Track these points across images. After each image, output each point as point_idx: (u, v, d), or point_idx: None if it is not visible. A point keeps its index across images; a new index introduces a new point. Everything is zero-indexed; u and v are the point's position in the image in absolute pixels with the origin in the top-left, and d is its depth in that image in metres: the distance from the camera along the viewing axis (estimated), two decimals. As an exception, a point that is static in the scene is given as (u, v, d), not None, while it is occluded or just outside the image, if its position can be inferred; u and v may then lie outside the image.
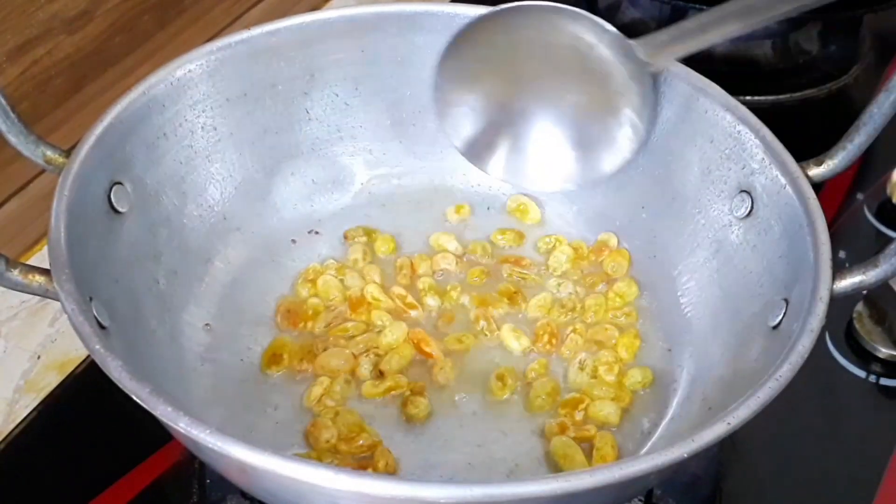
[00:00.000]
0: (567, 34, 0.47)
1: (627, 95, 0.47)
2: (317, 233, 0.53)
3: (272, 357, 0.46)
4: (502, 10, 0.47)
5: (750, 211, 0.45)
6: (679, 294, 0.49)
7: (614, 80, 0.47)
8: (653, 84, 0.47)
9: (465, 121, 0.49)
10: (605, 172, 0.48)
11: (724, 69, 0.69)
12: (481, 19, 0.48)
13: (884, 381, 0.51)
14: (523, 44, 0.48)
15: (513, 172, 0.50)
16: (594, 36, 0.46)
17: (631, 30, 0.64)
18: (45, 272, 0.38)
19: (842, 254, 0.55)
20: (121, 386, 0.34)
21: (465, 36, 0.48)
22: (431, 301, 0.49)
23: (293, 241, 0.52)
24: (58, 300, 0.37)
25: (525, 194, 0.54)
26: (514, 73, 0.48)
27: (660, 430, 0.45)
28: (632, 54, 0.46)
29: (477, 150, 0.49)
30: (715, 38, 0.45)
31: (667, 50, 0.46)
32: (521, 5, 0.47)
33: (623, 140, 0.48)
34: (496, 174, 0.50)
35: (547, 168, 0.49)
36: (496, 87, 0.49)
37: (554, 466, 0.43)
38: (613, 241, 0.52)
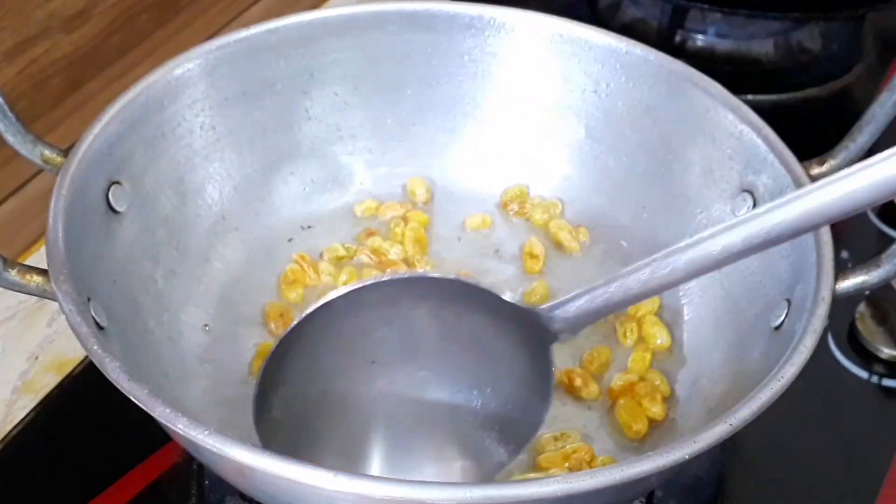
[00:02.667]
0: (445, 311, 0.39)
1: (532, 373, 0.40)
2: (310, 227, 0.52)
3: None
4: (332, 303, 0.38)
5: (752, 211, 0.45)
6: (680, 294, 0.49)
7: (518, 358, 0.40)
8: (550, 355, 0.40)
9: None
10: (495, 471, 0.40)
11: (726, 68, 0.69)
12: (309, 319, 0.38)
13: (886, 382, 0.51)
14: (377, 331, 0.39)
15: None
16: (480, 308, 0.39)
17: (631, 29, 0.64)
18: (43, 272, 0.38)
19: (844, 254, 0.55)
20: (119, 387, 0.34)
21: (287, 348, 0.38)
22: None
23: (290, 240, 0.52)
24: (55, 300, 0.37)
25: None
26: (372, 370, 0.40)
27: (661, 430, 0.44)
28: (528, 322, 0.39)
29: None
30: (627, 304, 0.38)
31: (579, 323, 0.39)
32: (362, 289, 0.38)
33: (527, 428, 0.41)
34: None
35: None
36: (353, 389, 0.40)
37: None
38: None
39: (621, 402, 0.45)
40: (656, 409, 0.44)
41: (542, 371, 0.40)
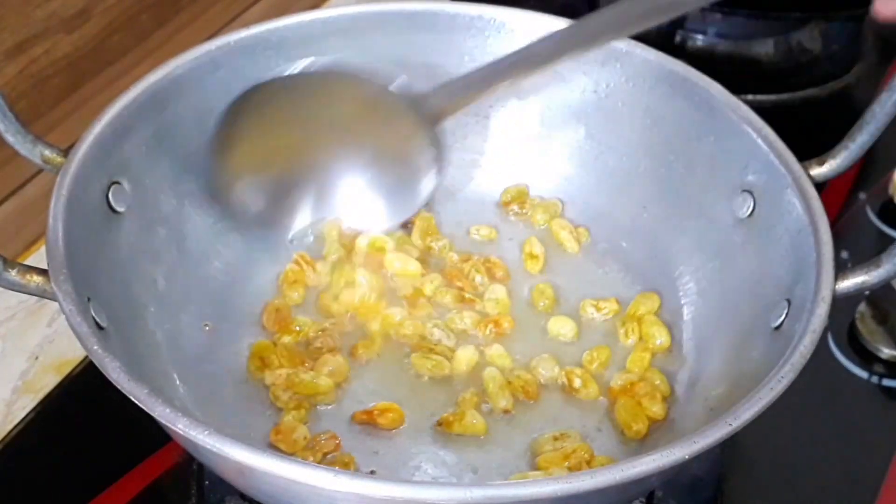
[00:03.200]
0: (348, 96, 0.49)
1: (414, 143, 0.49)
2: (308, 227, 0.52)
3: (260, 361, 0.46)
4: (275, 80, 0.48)
5: (752, 211, 0.45)
6: (680, 294, 0.49)
7: (399, 131, 0.49)
8: (437, 132, 0.49)
9: (256, 193, 0.49)
10: (406, 214, 0.51)
11: (727, 68, 0.69)
12: (253, 91, 0.47)
13: (886, 382, 0.51)
14: (302, 109, 0.48)
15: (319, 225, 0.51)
16: (375, 94, 0.48)
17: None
18: (43, 272, 0.38)
19: (844, 254, 0.55)
20: (119, 387, 0.34)
21: (237, 110, 0.47)
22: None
23: (291, 241, 0.52)
24: (56, 300, 0.37)
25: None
26: (299, 137, 0.49)
27: (661, 430, 0.44)
28: (414, 107, 0.48)
29: (273, 219, 0.50)
30: (497, 88, 0.47)
31: (449, 103, 0.48)
32: (296, 75, 0.48)
33: (417, 182, 0.50)
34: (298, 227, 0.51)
35: (355, 217, 0.51)
36: (282, 153, 0.49)
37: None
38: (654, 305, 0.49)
39: (621, 401, 0.45)
40: (656, 409, 0.44)
41: (427, 141, 0.49)
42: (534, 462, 0.42)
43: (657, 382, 0.45)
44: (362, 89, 0.48)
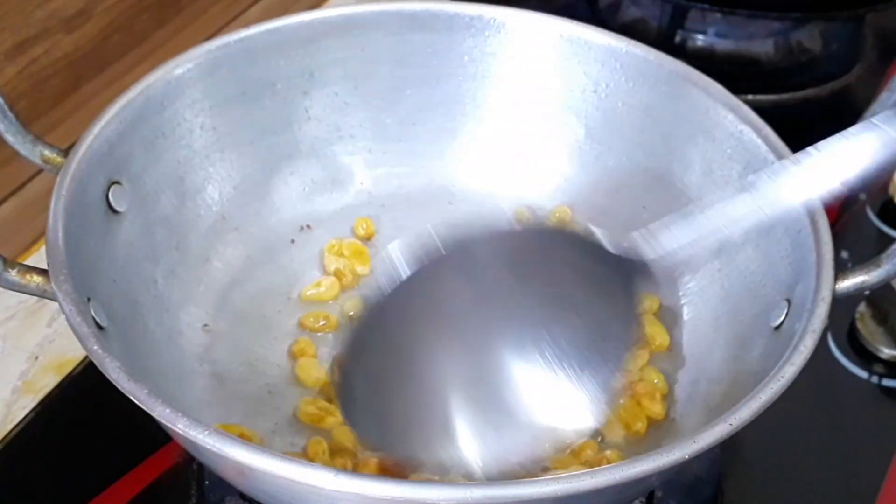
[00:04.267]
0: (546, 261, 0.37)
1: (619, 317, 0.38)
2: (310, 227, 0.52)
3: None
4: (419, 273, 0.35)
5: (752, 211, 0.45)
6: (680, 294, 0.49)
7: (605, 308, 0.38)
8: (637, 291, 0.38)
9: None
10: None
11: (726, 68, 0.69)
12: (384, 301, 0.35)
13: (886, 382, 0.51)
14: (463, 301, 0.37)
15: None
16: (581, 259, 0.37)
17: (631, 29, 0.64)
18: (43, 272, 0.38)
19: (844, 254, 0.55)
20: (119, 387, 0.34)
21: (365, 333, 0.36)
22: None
23: (292, 241, 0.52)
24: (56, 300, 0.37)
25: (535, 206, 0.54)
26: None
27: (661, 430, 0.44)
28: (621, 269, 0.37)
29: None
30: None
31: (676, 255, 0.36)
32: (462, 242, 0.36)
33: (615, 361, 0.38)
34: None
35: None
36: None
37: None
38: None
39: (620, 401, 0.45)
40: (656, 409, 0.44)
41: (625, 315, 0.38)
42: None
43: (655, 381, 0.45)
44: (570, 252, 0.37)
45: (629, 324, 0.38)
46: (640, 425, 0.44)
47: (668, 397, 0.45)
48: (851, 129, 0.33)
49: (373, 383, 0.36)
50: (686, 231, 0.36)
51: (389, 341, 0.36)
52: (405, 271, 0.35)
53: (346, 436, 0.43)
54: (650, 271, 0.36)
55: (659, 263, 0.36)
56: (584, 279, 0.37)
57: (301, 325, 0.48)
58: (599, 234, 0.37)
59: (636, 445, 0.44)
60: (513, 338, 0.37)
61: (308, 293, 0.49)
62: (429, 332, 0.37)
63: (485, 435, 0.37)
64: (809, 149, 0.34)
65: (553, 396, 0.37)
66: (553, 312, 0.37)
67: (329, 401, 0.44)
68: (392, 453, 0.36)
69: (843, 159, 0.33)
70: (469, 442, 0.37)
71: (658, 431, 0.44)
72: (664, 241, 0.36)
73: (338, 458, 0.42)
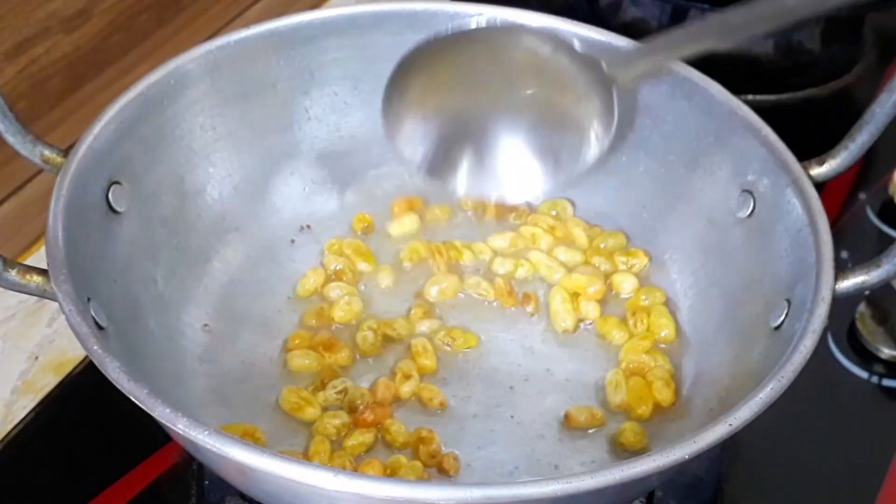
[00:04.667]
0: (524, 50, 0.47)
1: (588, 106, 0.46)
2: (310, 227, 0.52)
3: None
4: (454, 34, 0.47)
5: (752, 211, 0.45)
6: (681, 294, 0.49)
7: (574, 91, 0.46)
8: (613, 96, 0.45)
9: (421, 139, 0.47)
10: (567, 179, 0.48)
11: (726, 68, 0.69)
12: (431, 42, 0.46)
13: (886, 382, 0.51)
14: (477, 62, 0.47)
15: (477, 186, 0.48)
16: (553, 51, 0.46)
17: (632, 29, 0.64)
18: (43, 272, 0.38)
19: (844, 254, 0.55)
20: (119, 387, 0.34)
21: (414, 58, 0.46)
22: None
23: (292, 241, 0.52)
24: (55, 300, 0.37)
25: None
26: (470, 89, 0.47)
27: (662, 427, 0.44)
28: (594, 68, 0.45)
29: (437, 168, 0.48)
30: (684, 54, 0.44)
31: (631, 66, 0.45)
32: (474, 30, 0.47)
33: (584, 148, 0.47)
34: (460, 189, 0.48)
35: (512, 179, 0.48)
36: (451, 103, 0.48)
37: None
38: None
39: (631, 381, 0.45)
40: (666, 393, 0.44)
41: (605, 101, 0.45)
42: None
43: (667, 367, 0.46)
44: (541, 45, 0.46)
45: (593, 111, 0.46)
46: (645, 409, 0.44)
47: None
48: None
49: (413, 108, 0.47)
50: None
51: (425, 81, 0.47)
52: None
53: (327, 429, 0.43)
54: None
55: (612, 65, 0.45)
56: (549, 68, 0.47)
57: (303, 324, 0.48)
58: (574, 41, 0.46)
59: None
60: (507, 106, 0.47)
61: (302, 290, 0.50)
62: (455, 86, 0.47)
63: (490, 165, 0.48)
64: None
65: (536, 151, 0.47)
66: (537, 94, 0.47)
67: (314, 392, 0.45)
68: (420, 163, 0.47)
69: None
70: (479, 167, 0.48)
71: (658, 427, 0.44)
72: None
73: (337, 458, 0.42)
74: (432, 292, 0.49)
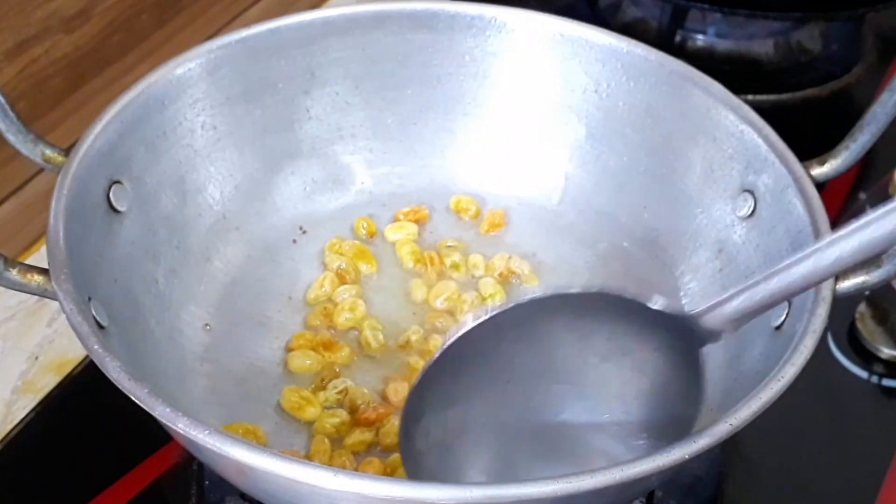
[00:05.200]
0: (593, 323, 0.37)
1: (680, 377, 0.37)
2: (310, 226, 0.52)
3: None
4: (472, 330, 0.36)
5: (753, 211, 0.45)
6: (681, 294, 0.49)
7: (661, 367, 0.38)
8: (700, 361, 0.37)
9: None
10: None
11: (727, 68, 0.69)
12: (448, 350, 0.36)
13: (886, 382, 0.51)
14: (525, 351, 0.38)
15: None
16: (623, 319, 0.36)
17: (632, 29, 0.64)
18: (44, 272, 0.38)
19: (844, 254, 0.55)
20: (119, 386, 0.34)
21: (446, 359, 0.36)
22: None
23: (294, 241, 0.52)
24: (56, 300, 0.37)
25: (535, 205, 0.54)
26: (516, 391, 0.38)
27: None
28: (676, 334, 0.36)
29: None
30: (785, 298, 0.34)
31: (738, 322, 0.35)
32: (524, 302, 0.36)
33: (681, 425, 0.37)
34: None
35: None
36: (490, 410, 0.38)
37: None
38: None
39: None
40: None
41: (691, 376, 0.37)
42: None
43: None
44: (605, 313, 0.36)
45: (693, 379, 0.37)
46: None
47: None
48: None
49: (432, 424, 0.37)
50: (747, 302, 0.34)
51: (451, 386, 0.37)
52: (470, 325, 0.36)
53: (326, 428, 0.43)
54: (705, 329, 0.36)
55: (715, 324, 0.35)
56: (636, 335, 0.37)
57: (308, 325, 0.48)
58: (660, 301, 0.36)
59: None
60: (568, 391, 0.38)
61: (312, 296, 0.49)
62: (486, 382, 0.38)
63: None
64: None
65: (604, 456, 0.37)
66: (610, 369, 0.38)
67: (315, 391, 0.45)
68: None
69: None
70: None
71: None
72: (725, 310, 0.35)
73: (337, 457, 0.42)
74: (437, 303, 0.49)
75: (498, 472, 0.38)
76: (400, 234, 0.52)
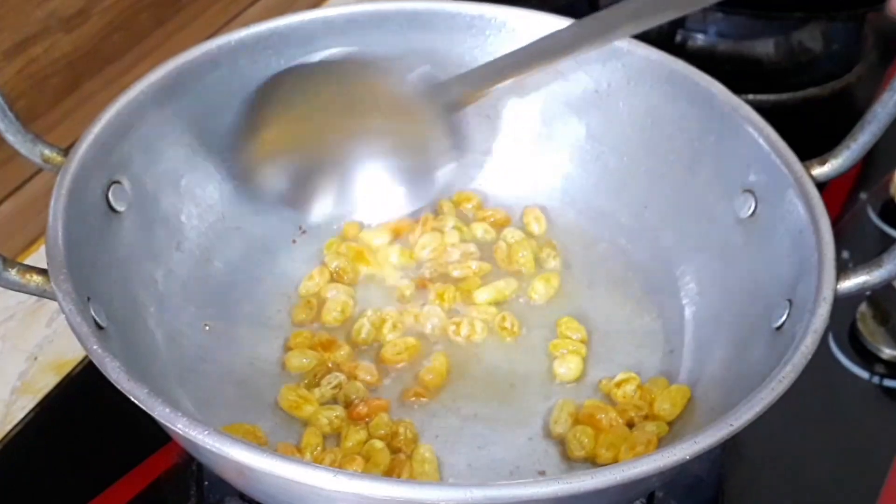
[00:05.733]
0: (372, 83, 0.49)
1: (434, 129, 0.50)
2: (310, 227, 0.52)
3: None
4: (298, 66, 0.49)
5: (753, 211, 0.45)
6: (681, 294, 0.48)
7: (420, 118, 0.50)
8: (454, 118, 0.49)
9: (280, 174, 0.50)
10: (426, 197, 0.52)
11: (727, 68, 0.69)
12: (282, 74, 0.49)
13: (887, 383, 0.51)
14: (325, 95, 0.49)
15: (339, 210, 0.51)
16: (397, 82, 0.49)
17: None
18: (43, 272, 0.38)
19: (845, 254, 0.55)
20: (119, 387, 0.34)
21: (264, 92, 0.48)
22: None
23: (293, 241, 0.52)
24: (55, 300, 0.37)
25: (536, 205, 0.54)
26: (322, 122, 0.50)
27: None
28: (434, 96, 0.49)
29: (298, 200, 0.50)
30: (523, 73, 0.48)
31: (467, 92, 0.49)
32: (319, 62, 0.49)
33: (437, 165, 0.51)
34: (321, 214, 0.51)
35: (374, 202, 0.51)
36: (304, 137, 0.50)
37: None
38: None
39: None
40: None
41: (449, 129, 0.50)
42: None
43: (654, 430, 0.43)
44: (384, 77, 0.49)
45: (440, 134, 0.50)
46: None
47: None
48: None
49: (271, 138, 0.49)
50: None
51: (277, 118, 0.49)
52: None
53: (322, 424, 0.43)
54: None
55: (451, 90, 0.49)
56: (395, 99, 0.50)
57: (294, 320, 0.48)
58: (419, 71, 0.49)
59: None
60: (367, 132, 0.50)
61: (303, 289, 0.49)
62: (307, 120, 0.50)
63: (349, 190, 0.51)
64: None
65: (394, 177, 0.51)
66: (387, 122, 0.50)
67: (308, 388, 0.45)
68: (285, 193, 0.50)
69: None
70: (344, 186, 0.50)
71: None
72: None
73: (328, 454, 0.42)
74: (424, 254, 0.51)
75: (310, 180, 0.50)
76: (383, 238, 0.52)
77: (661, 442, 0.43)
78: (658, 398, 0.44)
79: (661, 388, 0.45)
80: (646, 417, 0.44)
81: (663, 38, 0.68)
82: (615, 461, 0.42)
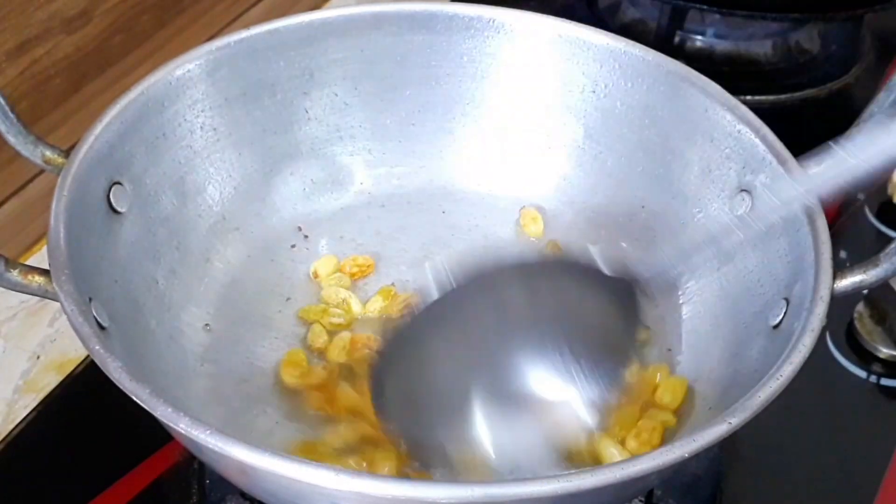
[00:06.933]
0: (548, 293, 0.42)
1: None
2: (310, 228, 0.52)
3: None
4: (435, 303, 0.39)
5: (750, 210, 0.45)
6: (679, 294, 0.49)
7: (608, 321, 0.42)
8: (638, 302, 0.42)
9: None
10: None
11: (725, 68, 0.69)
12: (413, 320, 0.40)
13: (884, 382, 0.51)
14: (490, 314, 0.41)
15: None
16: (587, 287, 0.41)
17: (631, 30, 0.64)
18: (45, 272, 0.38)
19: (842, 253, 0.55)
20: (120, 386, 0.34)
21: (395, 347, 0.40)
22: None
23: (293, 241, 0.52)
24: (57, 300, 0.37)
25: (533, 205, 0.54)
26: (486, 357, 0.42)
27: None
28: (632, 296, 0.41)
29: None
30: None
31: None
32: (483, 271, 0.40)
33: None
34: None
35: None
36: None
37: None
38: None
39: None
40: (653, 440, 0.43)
41: (629, 324, 0.42)
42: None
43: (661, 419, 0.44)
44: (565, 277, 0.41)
45: (630, 332, 0.42)
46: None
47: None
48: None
49: (403, 382, 0.40)
50: (675, 248, 0.41)
51: (422, 349, 0.41)
52: (435, 294, 0.39)
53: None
54: (645, 285, 0.41)
55: (654, 279, 0.41)
56: (588, 298, 0.41)
57: (301, 318, 0.49)
58: (596, 255, 0.41)
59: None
60: (528, 349, 0.42)
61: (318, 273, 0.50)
62: (456, 344, 0.41)
63: (500, 430, 0.41)
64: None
65: (563, 399, 0.41)
66: (562, 328, 0.42)
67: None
68: (416, 440, 0.40)
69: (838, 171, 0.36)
70: (485, 434, 0.41)
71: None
72: (656, 260, 0.41)
73: (349, 456, 0.42)
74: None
75: (465, 424, 0.41)
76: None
77: (666, 434, 0.43)
78: (660, 388, 0.44)
79: (663, 374, 0.45)
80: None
81: (661, 40, 0.69)
82: (623, 442, 0.43)
